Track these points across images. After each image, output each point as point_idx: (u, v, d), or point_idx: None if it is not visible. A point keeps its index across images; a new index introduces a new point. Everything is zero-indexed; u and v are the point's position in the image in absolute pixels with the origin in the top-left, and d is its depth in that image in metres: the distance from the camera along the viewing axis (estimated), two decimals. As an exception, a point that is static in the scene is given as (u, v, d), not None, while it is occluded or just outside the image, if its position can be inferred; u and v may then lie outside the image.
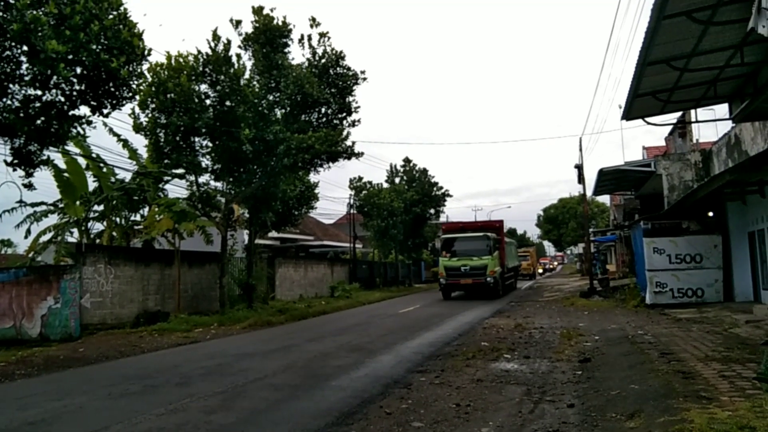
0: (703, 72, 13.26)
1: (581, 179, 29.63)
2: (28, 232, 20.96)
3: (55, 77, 10.36)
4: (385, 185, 41.47)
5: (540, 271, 66.62)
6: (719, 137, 18.07)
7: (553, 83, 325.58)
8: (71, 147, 18.09)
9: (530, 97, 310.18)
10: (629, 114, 15.31)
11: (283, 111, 19.41)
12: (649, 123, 16.17)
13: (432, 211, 43.70)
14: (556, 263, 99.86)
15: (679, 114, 20.84)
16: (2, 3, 9.83)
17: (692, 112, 19.63)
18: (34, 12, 9.61)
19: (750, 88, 14.34)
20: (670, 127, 26.06)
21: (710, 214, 17.29)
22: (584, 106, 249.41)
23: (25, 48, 9.91)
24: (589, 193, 31.83)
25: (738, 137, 15.60)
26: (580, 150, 29.37)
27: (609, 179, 23.05)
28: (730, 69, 13.12)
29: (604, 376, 7.90)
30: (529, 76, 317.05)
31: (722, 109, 17.97)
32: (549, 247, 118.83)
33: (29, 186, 12.35)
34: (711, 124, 31.17)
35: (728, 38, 11.40)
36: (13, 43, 9.92)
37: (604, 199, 60.12)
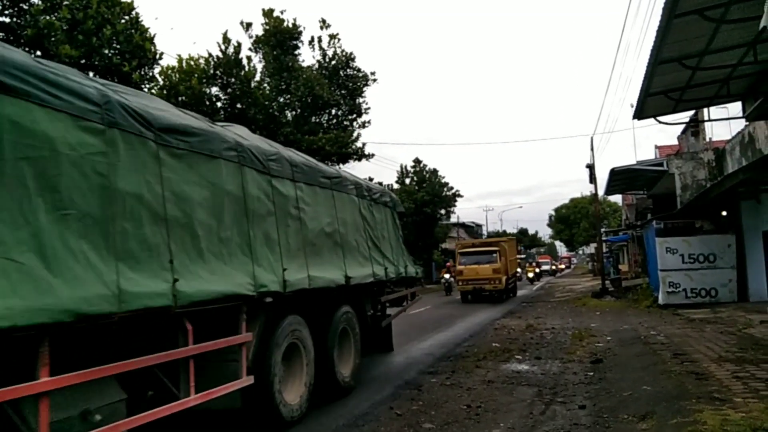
0: (715, 70, 13.12)
1: (593, 179, 29.48)
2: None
3: (68, 81, 10.50)
4: (396, 186, 41.49)
5: (530, 275, 43.91)
6: (732, 136, 17.91)
7: (564, 83, 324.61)
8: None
9: (541, 97, 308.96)
10: (641, 113, 15.18)
11: (294, 113, 19.51)
12: (661, 122, 16.03)
13: (443, 211, 43.69)
14: (562, 265, 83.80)
15: (691, 113, 20.66)
16: (16, 9, 9.98)
17: (705, 110, 19.45)
18: (48, 17, 9.75)
19: (764, 87, 14.19)
20: (683, 125, 25.84)
21: (724, 213, 17.12)
22: (596, 106, 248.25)
23: (38, 53, 10.05)
24: (600, 192, 31.67)
25: (752, 135, 15.45)
26: (592, 149, 29.23)
27: (621, 179, 22.89)
28: (744, 67, 12.96)
29: (616, 377, 7.85)
30: (541, 75, 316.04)
31: (735, 108, 17.74)
32: (561, 247, 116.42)
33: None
34: (724, 122, 30.91)
35: (741, 36, 11.27)
36: (27, 48, 10.07)
37: (616, 198, 59.75)
